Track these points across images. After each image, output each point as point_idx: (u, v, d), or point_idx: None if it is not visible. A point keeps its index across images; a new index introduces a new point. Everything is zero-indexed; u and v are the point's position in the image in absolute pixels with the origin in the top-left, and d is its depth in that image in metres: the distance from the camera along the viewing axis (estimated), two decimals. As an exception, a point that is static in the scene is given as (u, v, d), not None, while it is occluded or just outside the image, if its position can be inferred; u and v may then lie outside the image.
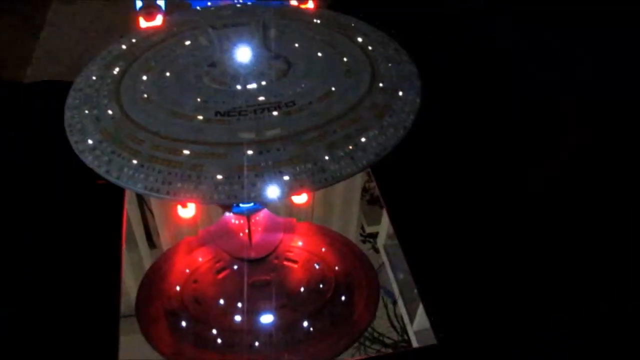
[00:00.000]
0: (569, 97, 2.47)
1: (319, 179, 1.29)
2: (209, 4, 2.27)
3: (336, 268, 2.08)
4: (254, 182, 1.27)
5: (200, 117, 1.37)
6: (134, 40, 1.73)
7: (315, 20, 1.75)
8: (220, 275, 2.00)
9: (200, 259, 2.11)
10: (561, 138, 2.33)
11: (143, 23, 1.93)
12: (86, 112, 1.45)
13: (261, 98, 1.42)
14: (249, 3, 1.95)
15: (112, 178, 1.29)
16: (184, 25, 1.76)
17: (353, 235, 2.74)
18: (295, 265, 2.07)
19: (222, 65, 1.52)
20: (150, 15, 1.92)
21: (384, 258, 2.66)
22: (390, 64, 1.61)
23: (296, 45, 1.63)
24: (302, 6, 2.01)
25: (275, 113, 1.38)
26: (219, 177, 1.27)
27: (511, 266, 1.86)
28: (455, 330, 1.70)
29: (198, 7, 2.38)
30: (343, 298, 2.00)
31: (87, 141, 1.36)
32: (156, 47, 1.66)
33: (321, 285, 2.00)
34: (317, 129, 1.36)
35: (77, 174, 1.43)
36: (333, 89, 1.46)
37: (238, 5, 1.90)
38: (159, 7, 2.00)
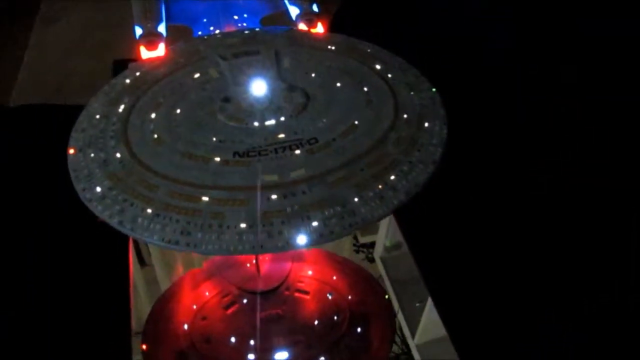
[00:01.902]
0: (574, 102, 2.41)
1: (349, 223, 1.20)
2: (212, 28, 2.18)
3: (349, 297, 1.98)
4: (280, 230, 1.18)
5: (218, 159, 1.28)
6: (138, 74, 1.63)
7: (329, 47, 1.68)
8: (230, 311, 1.89)
9: (207, 294, 1.99)
10: (563, 142, 2.27)
11: (145, 53, 1.83)
12: (92, 155, 1.35)
13: (281, 135, 1.33)
14: (257, 29, 1.87)
15: (125, 229, 1.19)
16: (191, 56, 1.67)
17: (346, 246, 2.64)
18: (307, 297, 1.97)
19: (236, 100, 1.43)
20: (152, 43, 1.83)
21: (382, 270, 2.59)
22: (412, 92, 1.53)
23: (312, 75, 1.54)
24: (312, 30, 1.94)
25: (297, 152, 1.30)
26: (243, 225, 1.18)
27: (514, 265, 1.81)
28: (463, 328, 1.67)
29: (200, 33, 2.30)
30: (359, 330, 1.90)
31: (95, 189, 1.25)
32: (163, 81, 1.57)
33: (335, 317, 1.90)
34: (343, 168, 1.28)
35: (71, 199, 1.34)
36: (356, 122, 1.38)
37: (246, 32, 1.81)
38: (161, 34, 1.91)
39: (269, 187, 1.22)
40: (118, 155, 1.31)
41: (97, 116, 1.44)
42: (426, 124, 1.41)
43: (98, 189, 1.25)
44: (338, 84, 1.49)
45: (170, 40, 1.93)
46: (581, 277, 1.83)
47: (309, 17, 1.95)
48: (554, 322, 1.69)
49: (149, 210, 1.19)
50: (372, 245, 2.65)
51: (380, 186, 1.26)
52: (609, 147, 2.25)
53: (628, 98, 2.35)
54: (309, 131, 1.34)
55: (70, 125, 1.51)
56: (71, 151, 1.37)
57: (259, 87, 1.42)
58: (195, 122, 1.38)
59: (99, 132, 1.39)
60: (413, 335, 2.40)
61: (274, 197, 1.20)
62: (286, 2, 2.09)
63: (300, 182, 1.23)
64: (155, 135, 1.33)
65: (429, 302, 2.11)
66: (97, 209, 1.24)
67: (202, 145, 1.31)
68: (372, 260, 2.72)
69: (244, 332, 1.74)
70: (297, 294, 1.88)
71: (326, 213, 1.19)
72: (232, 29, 2.10)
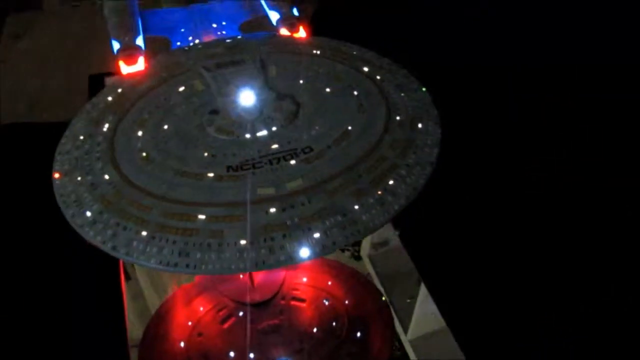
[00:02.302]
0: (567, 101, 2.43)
1: (351, 232, 1.17)
2: (190, 38, 2.13)
3: (346, 302, 1.96)
4: (282, 245, 1.14)
5: (211, 175, 1.24)
6: (119, 90, 1.58)
7: (314, 51, 1.65)
8: (226, 325, 1.86)
9: (201, 309, 1.96)
10: (557, 140, 2.29)
11: (124, 68, 1.77)
12: (79, 179, 1.30)
13: (274, 146, 1.30)
14: (239, 37, 1.82)
15: (119, 254, 1.14)
16: (174, 69, 1.63)
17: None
18: (304, 304, 1.95)
19: (224, 112, 1.39)
20: (131, 57, 1.78)
21: (369, 268, 2.57)
22: (402, 94, 1.52)
23: (300, 81, 1.52)
24: (295, 35, 1.90)
25: (292, 162, 1.27)
26: (242, 242, 1.14)
27: (514, 267, 1.83)
28: (463, 328, 1.66)
29: (178, 43, 2.24)
30: (358, 334, 1.88)
31: (85, 214, 1.21)
32: (147, 96, 1.53)
33: (334, 324, 1.89)
34: (341, 176, 1.25)
35: (55, 218, 1.31)
36: (349, 128, 1.36)
37: (228, 41, 1.77)
38: (140, 47, 1.85)
39: (266, 201, 1.19)
40: (106, 177, 1.26)
41: (81, 137, 1.39)
42: (420, 125, 1.39)
43: (88, 214, 1.20)
44: (327, 90, 1.46)
45: (148, 52, 1.87)
46: (579, 274, 1.85)
47: (291, 22, 1.92)
48: (553, 322, 1.70)
49: (144, 233, 1.15)
50: (357, 243, 2.63)
51: (379, 192, 1.24)
52: (603, 145, 2.28)
53: (622, 96, 2.38)
54: (302, 140, 1.31)
55: (49, 144, 1.47)
56: (56, 175, 1.32)
57: (247, 98, 1.38)
58: (185, 138, 1.34)
59: (84, 154, 1.34)
60: (405, 331, 2.42)
61: (272, 210, 1.17)
62: (265, 7, 2.05)
63: (299, 193, 1.20)
64: (144, 154, 1.28)
65: (420, 297, 2.11)
66: (88, 235, 1.19)
67: (194, 161, 1.27)
68: (358, 258, 2.71)
69: (242, 346, 1.70)
70: (293, 303, 1.85)
71: (327, 223, 1.16)
72: (212, 37, 2.05)
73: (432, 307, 2.34)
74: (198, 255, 1.16)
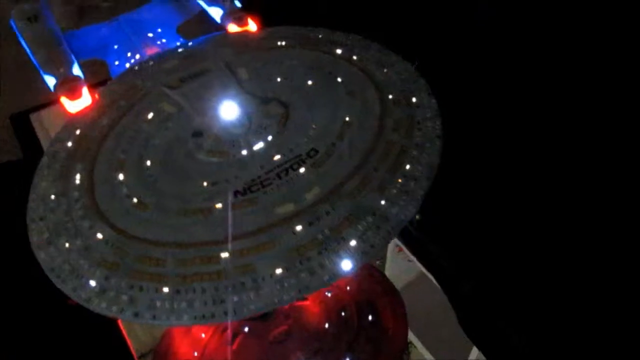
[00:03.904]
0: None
1: (386, 231, 1.10)
2: (129, 54, 1.91)
3: (348, 288, 1.91)
4: (321, 263, 1.05)
5: (219, 205, 1.12)
6: (77, 132, 1.38)
7: (278, 43, 1.52)
8: (235, 345, 1.75)
9: (203, 335, 1.84)
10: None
11: (69, 104, 1.54)
12: (67, 245, 1.13)
13: (277, 157, 1.18)
14: (189, 44, 1.65)
15: (145, 319, 1.01)
16: (131, 95, 1.43)
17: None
18: (308, 302, 1.88)
19: (209, 132, 1.25)
20: (73, 90, 1.54)
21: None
22: (385, 69, 1.43)
23: (278, 79, 1.39)
24: (247, 29, 1.75)
25: (302, 170, 1.16)
26: (279, 271, 1.04)
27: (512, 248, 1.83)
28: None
29: (117, 62, 2.02)
30: (371, 318, 1.84)
31: (88, 284, 1.05)
32: (113, 132, 1.33)
33: (343, 313, 1.83)
34: (357, 173, 1.16)
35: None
36: (347, 118, 1.26)
37: (179, 50, 1.60)
38: (79, 77, 1.62)
39: (290, 219, 1.08)
40: (99, 236, 1.10)
41: (52, 197, 1.21)
42: (414, 99, 1.31)
43: (92, 284, 1.04)
44: (309, 82, 1.34)
45: (92, 84, 1.66)
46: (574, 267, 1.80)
47: (237, 15, 1.75)
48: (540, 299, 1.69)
49: (165, 289, 1.01)
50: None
51: (400, 180, 1.15)
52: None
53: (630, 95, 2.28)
54: (303, 144, 1.19)
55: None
56: (38, 248, 1.14)
57: (228, 110, 1.25)
58: (175, 170, 1.19)
59: (64, 216, 1.16)
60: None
61: (298, 228, 1.06)
62: (203, 4, 1.87)
63: (320, 202, 1.10)
64: (135, 200, 1.13)
65: (388, 255, 2.10)
66: (100, 308, 1.04)
67: (195, 195, 1.13)
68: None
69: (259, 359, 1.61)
70: (296, 303, 1.77)
71: (360, 227, 1.07)
72: (154, 49, 1.86)
73: (402, 262, 2.37)
74: (235, 299, 1.04)
